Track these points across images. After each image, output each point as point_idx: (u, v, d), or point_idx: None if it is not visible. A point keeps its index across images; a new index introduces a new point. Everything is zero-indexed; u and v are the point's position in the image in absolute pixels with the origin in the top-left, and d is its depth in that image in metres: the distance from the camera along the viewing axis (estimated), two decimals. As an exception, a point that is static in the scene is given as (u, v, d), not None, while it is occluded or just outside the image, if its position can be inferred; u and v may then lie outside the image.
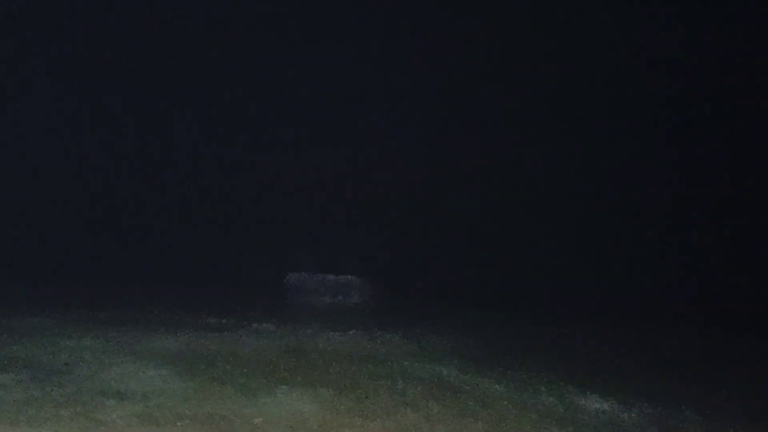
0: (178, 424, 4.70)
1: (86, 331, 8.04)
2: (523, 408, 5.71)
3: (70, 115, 17.46)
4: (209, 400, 5.32)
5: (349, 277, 14.29)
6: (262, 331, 8.99)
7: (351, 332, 9.15)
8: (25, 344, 7.01)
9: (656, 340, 9.93)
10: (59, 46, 16.54)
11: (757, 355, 9.06)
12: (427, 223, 16.98)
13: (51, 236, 16.90)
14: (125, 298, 12.02)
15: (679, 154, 14.26)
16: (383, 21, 15.97)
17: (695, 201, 13.80)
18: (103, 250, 16.99)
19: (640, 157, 14.64)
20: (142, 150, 18.03)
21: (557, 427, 5.29)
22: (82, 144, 17.80)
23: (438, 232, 16.98)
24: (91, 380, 5.54)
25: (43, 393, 5.03)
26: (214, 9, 16.21)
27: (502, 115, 15.77)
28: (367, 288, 14.65)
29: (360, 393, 5.84)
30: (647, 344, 9.54)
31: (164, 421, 4.73)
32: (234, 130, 17.58)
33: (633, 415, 5.78)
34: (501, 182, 15.88)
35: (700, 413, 5.94)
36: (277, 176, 17.95)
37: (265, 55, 16.24)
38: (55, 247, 16.61)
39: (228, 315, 10.41)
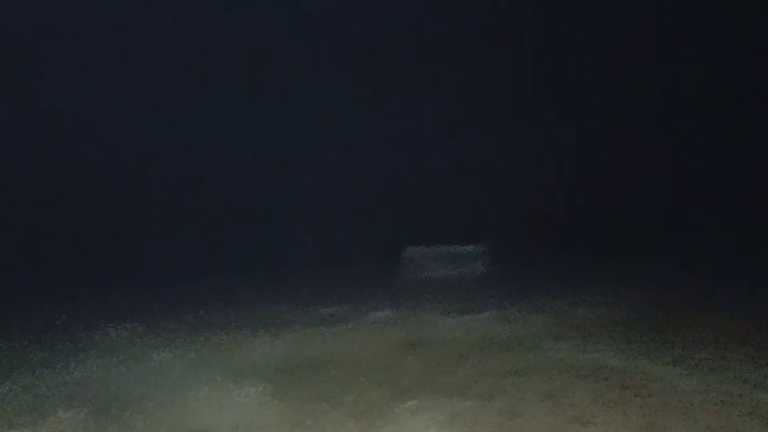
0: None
1: (174, 340, 7.03)
2: (728, 411, 4.06)
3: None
4: None
5: (471, 246, 12.83)
6: (379, 321, 7.73)
7: (483, 314, 7.74)
8: (102, 363, 6.00)
9: None
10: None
11: None
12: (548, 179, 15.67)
13: (128, 237, 16.38)
14: (223, 295, 11.02)
15: None
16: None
17: None
18: (199, 244, 16.39)
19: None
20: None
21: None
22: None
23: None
24: (169, 412, 4.40)
25: (102, 439, 3.89)
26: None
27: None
28: (491, 256, 13.14)
29: (508, 404, 4.40)
30: None
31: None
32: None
33: None
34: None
35: None
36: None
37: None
38: (133, 249, 16.01)
39: (341, 302, 9.28)
